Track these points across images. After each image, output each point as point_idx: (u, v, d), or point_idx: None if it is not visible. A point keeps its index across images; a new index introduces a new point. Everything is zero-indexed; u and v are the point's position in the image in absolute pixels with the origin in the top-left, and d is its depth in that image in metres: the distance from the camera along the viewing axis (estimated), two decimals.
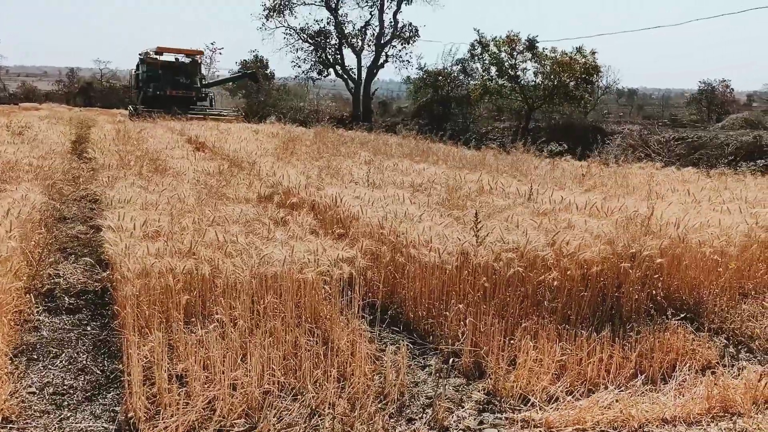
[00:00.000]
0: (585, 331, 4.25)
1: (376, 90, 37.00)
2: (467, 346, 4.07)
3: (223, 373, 3.45)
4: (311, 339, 4.02)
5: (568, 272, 4.60)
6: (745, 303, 4.90)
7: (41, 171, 7.71)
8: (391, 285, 5.13)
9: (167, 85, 26.26)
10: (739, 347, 4.44)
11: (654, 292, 4.79)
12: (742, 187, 7.98)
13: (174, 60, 27.80)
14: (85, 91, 51.96)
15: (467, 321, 4.11)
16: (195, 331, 3.88)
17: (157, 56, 27.14)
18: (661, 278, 4.91)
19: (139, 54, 28.22)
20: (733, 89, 37.76)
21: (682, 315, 4.90)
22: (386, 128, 20.55)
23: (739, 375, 3.89)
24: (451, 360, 4.14)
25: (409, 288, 4.83)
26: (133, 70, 29.51)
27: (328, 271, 4.23)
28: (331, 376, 3.59)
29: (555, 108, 20.42)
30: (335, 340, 4.00)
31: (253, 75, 32.29)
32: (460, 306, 4.32)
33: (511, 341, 4.07)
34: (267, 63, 38.35)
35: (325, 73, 35.07)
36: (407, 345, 4.36)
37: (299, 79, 35.25)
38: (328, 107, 36.47)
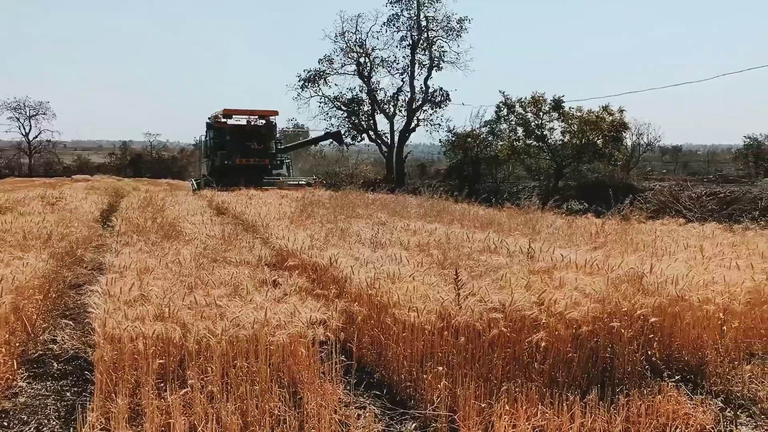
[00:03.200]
0: (572, 394, 4.04)
1: (409, 153, 37.45)
2: (443, 411, 3.91)
3: None
4: (282, 405, 3.93)
5: (557, 332, 4.43)
6: (749, 364, 4.60)
7: (56, 240, 7.92)
8: (378, 346, 5.02)
9: (236, 153, 23.11)
10: (739, 411, 4.14)
11: (650, 352, 4.56)
12: (763, 242, 7.65)
13: (245, 123, 24.49)
14: (135, 163, 54.29)
15: (442, 384, 3.96)
16: (164, 396, 3.85)
17: (225, 120, 24.19)
18: (657, 338, 4.68)
19: (207, 119, 25.37)
20: None
21: (682, 377, 4.65)
22: (412, 190, 20.63)
23: None
24: (432, 425, 3.98)
25: (393, 349, 4.71)
26: (201, 137, 26.74)
27: (302, 333, 4.17)
28: None
29: (584, 166, 20.21)
30: (305, 405, 3.90)
31: (338, 135, 30.33)
32: (439, 368, 4.18)
33: (490, 405, 3.90)
34: (308, 131, 39.35)
35: (359, 138, 35.73)
36: (382, 410, 4.25)
37: (333, 145, 35.94)
38: (362, 171, 37.00)
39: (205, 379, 4.04)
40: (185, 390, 3.90)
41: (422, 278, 5.33)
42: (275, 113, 25.38)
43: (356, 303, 5.28)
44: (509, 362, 4.40)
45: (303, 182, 22.82)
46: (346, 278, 5.72)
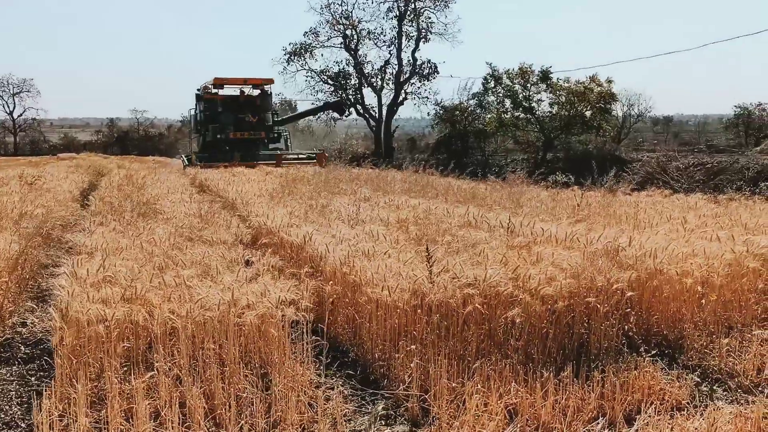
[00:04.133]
0: (547, 371, 3.97)
1: (397, 127, 37.15)
2: (414, 391, 3.84)
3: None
4: (251, 387, 3.85)
5: (532, 308, 4.34)
6: (727, 337, 4.54)
7: (29, 220, 7.76)
8: (353, 325, 4.94)
9: (230, 127, 21.22)
10: (716, 386, 4.09)
11: (627, 327, 4.49)
12: (747, 213, 7.58)
13: (238, 93, 22.43)
14: (122, 140, 53.80)
15: (414, 363, 3.88)
16: (129, 380, 3.75)
17: (216, 90, 22.16)
18: (635, 312, 4.61)
19: (196, 90, 23.18)
20: None
21: (660, 351, 4.60)
22: (398, 165, 20.47)
23: (708, 418, 3.55)
24: (403, 405, 3.91)
25: (367, 328, 4.63)
26: (191, 111, 24.35)
27: (272, 313, 4.08)
28: (259, 427, 3.40)
29: (572, 138, 20.10)
30: (274, 387, 3.81)
31: (338, 105, 27.66)
32: (412, 347, 4.10)
33: (462, 384, 3.82)
34: (296, 105, 38.80)
35: (347, 112, 35.37)
36: (354, 390, 4.18)
37: (320, 120, 35.60)
38: (351, 146, 36.73)
39: (173, 362, 3.94)
40: (151, 373, 3.81)
41: (398, 255, 5.22)
42: (271, 81, 23.34)
43: (331, 281, 5.19)
44: (485, 339, 4.33)
45: (303, 156, 21.12)
46: (321, 256, 5.62)
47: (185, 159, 21.98)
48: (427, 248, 4.43)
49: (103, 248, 5.81)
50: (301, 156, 21.10)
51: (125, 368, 3.95)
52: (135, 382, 3.65)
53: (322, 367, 4.21)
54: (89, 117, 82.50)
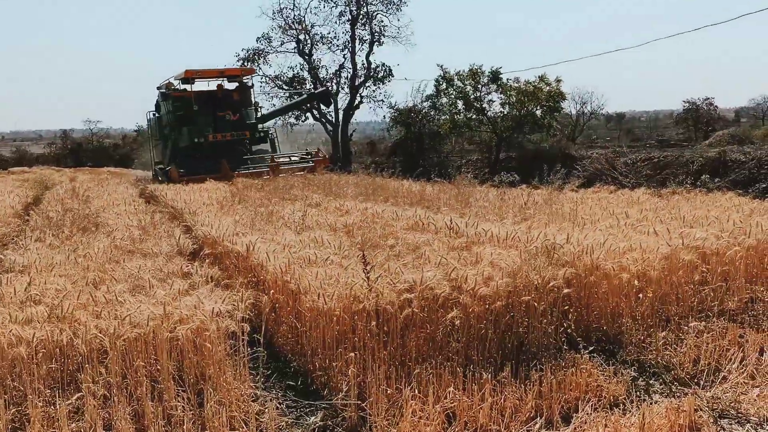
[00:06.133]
0: (486, 372, 3.96)
1: (354, 131, 37.10)
2: (352, 399, 3.78)
3: None
4: (183, 404, 3.74)
5: (471, 309, 4.33)
6: (664, 330, 4.61)
7: None
8: (295, 335, 4.86)
9: (208, 127, 17.79)
10: (652, 379, 4.14)
11: (565, 324, 4.51)
12: (687, 206, 7.74)
13: (216, 87, 18.87)
14: (76, 152, 52.30)
15: (350, 371, 3.83)
16: (55, 403, 3.61)
17: (186, 86, 18.37)
18: (574, 309, 4.64)
19: (158, 88, 19.60)
20: (717, 107, 38.17)
21: (601, 347, 4.64)
22: (352, 169, 20.41)
23: (639, 413, 3.58)
24: (341, 415, 3.85)
25: (308, 337, 4.55)
26: (149, 114, 20.54)
27: (207, 326, 3.97)
28: None
29: (525, 137, 20.36)
30: (207, 403, 3.71)
31: (325, 95, 23.49)
32: (351, 355, 4.04)
33: (399, 391, 3.78)
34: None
35: (303, 118, 35.13)
36: (294, 401, 4.11)
37: (277, 125, 35.28)
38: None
39: (101, 381, 3.81)
40: (78, 395, 3.67)
41: (340, 261, 5.16)
42: (251, 72, 20.54)
43: (272, 290, 5.10)
44: (425, 343, 4.29)
45: (296, 159, 18.07)
46: (262, 265, 5.52)
47: (158, 170, 18.54)
48: (363, 254, 4.38)
49: (36, 265, 5.62)
50: (294, 158, 18.17)
51: (53, 390, 3.80)
52: (59, 405, 3.51)
53: (261, 380, 4.12)
54: (42, 129, 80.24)
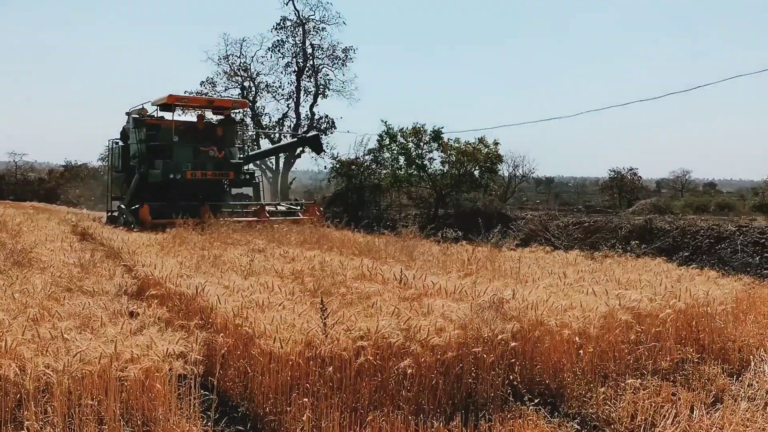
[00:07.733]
0: (437, 421, 4.05)
1: (294, 179, 37.27)
2: None
3: None
4: None
5: (422, 359, 4.43)
6: (603, 386, 4.82)
7: None
8: (245, 379, 4.81)
9: (186, 163, 15.58)
10: None
11: (512, 377, 4.67)
12: (620, 269, 8.17)
13: (196, 117, 17.12)
14: None
15: (305, 416, 3.84)
16: None
17: (164, 113, 16.49)
18: (519, 362, 4.81)
19: (128, 113, 17.36)
20: (641, 177, 40.38)
21: (543, 400, 4.79)
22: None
23: None
24: None
25: (259, 381, 4.53)
26: (111, 143, 18.18)
27: (157, 367, 3.91)
28: None
29: (462, 195, 20.98)
30: None
31: (316, 141, 21.77)
32: (305, 400, 4.05)
33: None
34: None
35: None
36: None
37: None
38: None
39: (45, 420, 3.67)
40: None
41: (293, 307, 5.19)
42: (245, 105, 18.90)
43: (222, 333, 5.06)
44: (377, 390, 4.35)
45: (285, 207, 16.67)
46: (212, 307, 5.48)
47: (123, 208, 15.81)
48: (321, 300, 4.45)
49: None
50: (280, 207, 16.64)
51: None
52: None
53: (210, 423, 4.06)
54: None
